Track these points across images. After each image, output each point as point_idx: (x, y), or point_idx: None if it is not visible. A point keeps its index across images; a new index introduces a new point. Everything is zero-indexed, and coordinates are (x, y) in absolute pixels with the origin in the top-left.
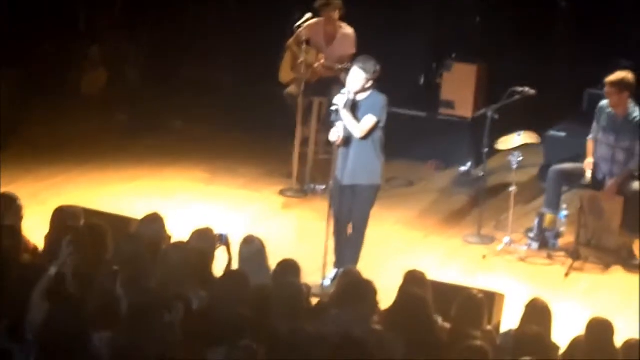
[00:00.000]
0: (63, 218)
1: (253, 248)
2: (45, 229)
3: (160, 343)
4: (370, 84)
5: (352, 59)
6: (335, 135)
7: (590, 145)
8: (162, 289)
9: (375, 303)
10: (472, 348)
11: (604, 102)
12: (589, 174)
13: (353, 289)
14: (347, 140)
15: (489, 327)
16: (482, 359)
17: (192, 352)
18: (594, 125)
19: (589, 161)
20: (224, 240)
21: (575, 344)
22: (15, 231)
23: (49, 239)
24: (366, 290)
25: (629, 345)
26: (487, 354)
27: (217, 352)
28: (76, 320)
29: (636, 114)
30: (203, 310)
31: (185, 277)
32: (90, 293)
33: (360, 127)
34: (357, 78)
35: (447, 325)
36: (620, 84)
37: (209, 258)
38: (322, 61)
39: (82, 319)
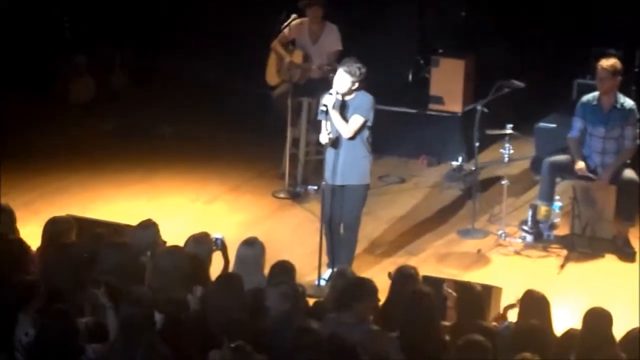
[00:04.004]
0: (55, 230)
1: (254, 251)
2: (39, 238)
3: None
4: (356, 85)
5: (340, 56)
6: (325, 136)
7: (574, 145)
8: (155, 294)
9: (376, 302)
10: (472, 343)
11: (587, 98)
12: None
13: (350, 290)
14: (336, 140)
15: (491, 322)
16: (483, 354)
17: (188, 355)
18: (577, 123)
19: (580, 166)
20: (219, 244)
21: (568, 335)
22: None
23: (41, 253)
24: (364, 289)
25: (630, 335)
26: (488, 349)
27: (213, 355)
28: (69, 334)
29: (622, 101)
30: (198, 314)
31: (179, 281)
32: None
33: (348, 128)
34: (342, 81)
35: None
36: (614, 68)
37: (205, 262)
38: (312, 64)
39: (75, 332)
